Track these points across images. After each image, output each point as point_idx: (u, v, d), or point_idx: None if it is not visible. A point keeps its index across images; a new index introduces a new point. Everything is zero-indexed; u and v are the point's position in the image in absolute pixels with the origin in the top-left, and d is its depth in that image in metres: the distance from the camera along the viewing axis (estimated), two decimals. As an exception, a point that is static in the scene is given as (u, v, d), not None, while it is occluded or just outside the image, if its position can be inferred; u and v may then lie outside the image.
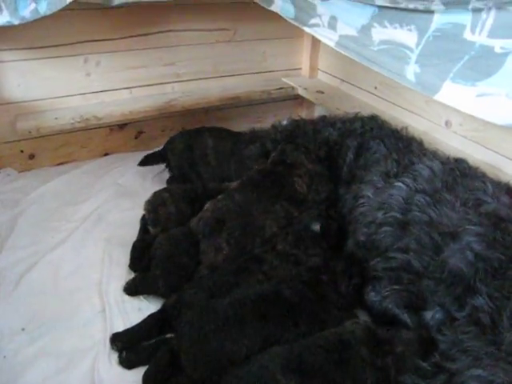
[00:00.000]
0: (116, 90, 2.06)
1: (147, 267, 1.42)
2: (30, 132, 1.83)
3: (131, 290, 1.39)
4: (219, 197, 1.51)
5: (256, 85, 2.30)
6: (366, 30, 1.35)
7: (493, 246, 1.09)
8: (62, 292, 1.40)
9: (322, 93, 2.24)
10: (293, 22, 1.45)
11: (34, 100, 1.92)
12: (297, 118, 2.44)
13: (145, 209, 1.57)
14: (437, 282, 1.12)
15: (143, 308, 1.35)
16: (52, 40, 1.84)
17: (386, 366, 0.98)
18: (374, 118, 1.75)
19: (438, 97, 1.20)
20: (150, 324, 1.25)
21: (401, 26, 1.31)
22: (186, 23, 2.08)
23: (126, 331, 1.24)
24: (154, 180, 2.00)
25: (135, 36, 2.00)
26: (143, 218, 1.60)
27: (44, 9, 1.61)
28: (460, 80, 1.17)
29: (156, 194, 1.58)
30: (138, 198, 1.84)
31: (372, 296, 1.24)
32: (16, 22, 1.59)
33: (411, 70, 1.26)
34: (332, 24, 1.39)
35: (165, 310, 1.26)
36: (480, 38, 1.19)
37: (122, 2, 1.70)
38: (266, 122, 2.50)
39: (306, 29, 1.42)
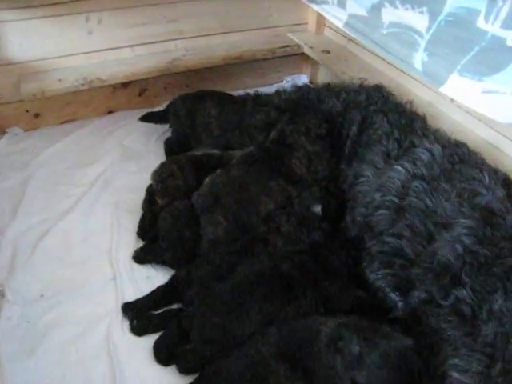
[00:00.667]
0: (118, 48, 2.02)
1: (155, 236, 1.51)
2: (34, 95, 1.83)
3: (140, 258, 1.48)
4: (217, 171, 1.55)
5: (261, 42, 2.25)
6: (375, 9, 1.31)
7: (481, 242, 1.15)
8: (74, 260, 1.49)
9: (328, 53, 2.19)
10: (302, -2, 1.41)
11: (36, 60, 1.90)
12: (300, 79, 2.45)
13: (152, 179, 1.62)
14: (426, 271, 1.19)
15: (151, 276, 1.45)
16: (52, -3, 1.79)
17: None
18: (379, 89, 1.75)
19: (443, 89, 1.20)
20: (159, 295, 1.35)
21: (412, 8, 1.27)
22: (191, -23, 2.00)
23: (137, 301, 1.34)
24: (157, 141, 2.03)
25: (136, -8, 1.93)
26: (150, 188, 1.65)
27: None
28: (467, 73, 1.17)
29: (164, 165, 1.62)
30: (143, 160, 1.91)
31: (367, 273, 1.33)
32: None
33: (419, 58, 1.24)
34: (342, 1, 1.35)
35: (174, 283, 1.36)
36: (493, 28, 1.16)
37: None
38: (269, 77, 2.49)
39: (315, 6, 1.38)
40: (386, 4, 1.31)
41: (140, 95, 2.19)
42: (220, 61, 2.12)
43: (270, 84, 2.50)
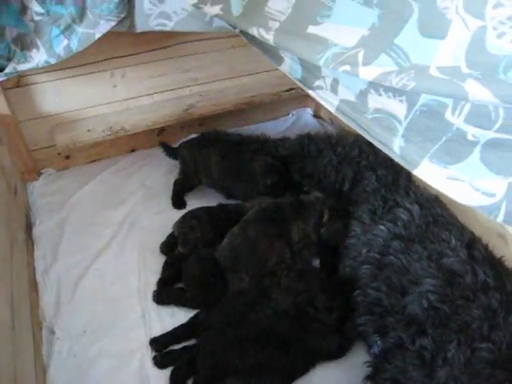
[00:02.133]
0: (139, 97, 2.26)
1: (176, 279, 1.78)
2: (67, 145, 2.10)
3: (159, 299, 1.73)
4: (235, 230, 1.79)
5: (267, 84, 2.46)
6: (363, 95, 1.53)
7: (443, 300, 1.41)
8: (109, 298, 1.76)
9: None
10: (299, 83, 1.63)
11: (67, 111, 2.15)
12: (306, 112, 2.65)
13: (175, 229, 1.90)
14: (398, 320, 1.46)
15: (175, 314, 1.71)
16: (81, 60, 2.02)
17: None
18: (370, 144, 1.97)
19: (416, 172, 1.43)
20: (180, 332, 1.63)
21: (394, 96, 1.49)
22: (203, 33, 2.22)
23: (160, 337, 1.61)
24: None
25: (155, 50, 2.16)
26: (171, 236, 1.92)
27: (76, 45, 1.79)
28: (435, 160, 1.39)
29: (185, 219, 1.88)
30: (163, 200, 2.17)
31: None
32: (53, 60, 1.78)
33: (397, 143, 1.47)
34: (334, 87, 1.57)
35: (194, 323, 1.64)
36: (458, 121, 1.38)
37: (145, 29, 1.86)
38: (277, 111, 2.74)
39: (311, 92, 1.60)
40: (372, 91, 1.53)
41: (159, 135, 2.45)
42: (231, 106, 2.36)
43: (278, 117, 2.74)
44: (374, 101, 1.55)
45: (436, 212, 1.66)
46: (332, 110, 1.58)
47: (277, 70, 2.52)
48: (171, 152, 2.26)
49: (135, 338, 1.65)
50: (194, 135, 2.48)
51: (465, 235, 1.58)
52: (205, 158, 2.10)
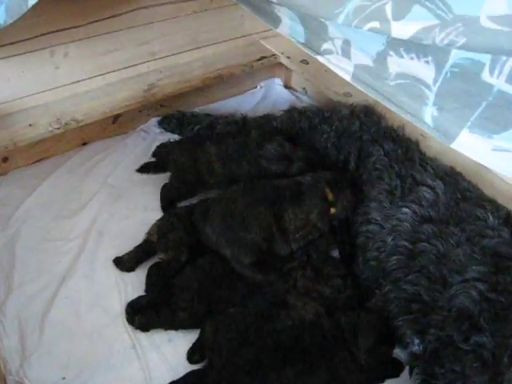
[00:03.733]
0: (88, 78, 1.88)
1: (163, 295, 1.48)
2: (6, 147, 1.68)
3: (146, 325, 1.43)
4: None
5: (236, 54, 2.16)
6: (381, 58, 1.28)
7: (495, 289, 1.23)
8: (88, 330, 1.44)
9: (307, 63, 2.15)
10: (303, 47, 1.35)
11: (1, 103, 1.72)
12: (275, 83, 2.38)
13: (151, 233, 1.59)
14: (444, 317, 1.27)
15: (173, 338, 1.43)
16: (12, 36, 1.60)
17: None
18: (369, 113, 1.75)
19: (454, 145, 1.22)
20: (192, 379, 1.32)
21: (417, 57, 1.26)
22: (159, -3, 1.85)
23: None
24: (143, 175, 1.95)
25: (104, 19, 1.77)
26: (147, 241, 1.61)
27: (3, 16, 1.39)
28: (477, 130, 1.19)
29: (163, 220, 1.59)
30: (132, 200, 1.84)
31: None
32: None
33: (429, 113, 1.25)
34: (346, 50, 1.31)
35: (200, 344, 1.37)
36: (498, 82, 1.18)
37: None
38: (243, 85, 2.42)
39: (319, 58, 1.33)
40: (391, 52, 1.28)
41: (114, 122, 2.07)
42: (199, 82, 2.03)
43: (244, 91, 2.44)
44: (396, 64, 1.31)
45: (462, 186, 1.47)
46: (348, 78, 1.32)
47: (246, 36, 2.27)
48: (152, 168, 1.92)
49: (130, 376, 1.35)
50: (154, 118, 2.15)
51: (500, 210, 1.41)
52: (205, 157, 1.76)
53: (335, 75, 2.09)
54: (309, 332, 1.30)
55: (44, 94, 1.80)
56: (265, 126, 1.84)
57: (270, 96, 2.43)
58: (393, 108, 1.31)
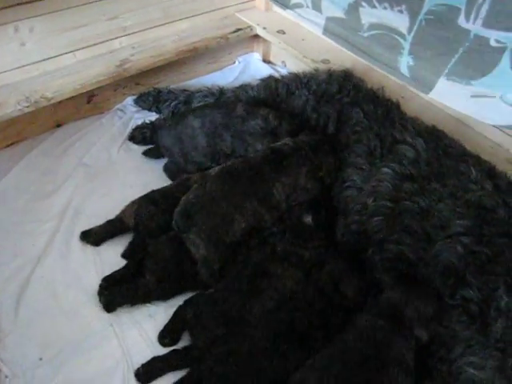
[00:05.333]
0: (58, 56, 1.81)
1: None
2: (-27, 128, 1.63)
3: (112, 302, 1.38)
4: (194, 186, 1.48)
5: (210, 27, 2.10)
6: (353, 9, 1.25)
7: (480, 241, 1.19)
8: (65, 309, 1.39)
9: (284, 33, 2.09)
10: (274, 3, 1.31)
11: (-35, 84, 1.67)
12: (253, 58, 2.33)
13: (126, 215, 1.54)
14: (430, 273, 1.24)
15: (153, 313, 1.39)
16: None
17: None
18: (348, 77, 1.69)
19: (432, 94, 1.18)
20: (175, 357, 1.27)
21: (391, 6, 1.22)
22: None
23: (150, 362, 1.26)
24: (119, 153, 1.90)
25: (70, -9, 1.71)
26: (120, 220, 1.56)
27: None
28: (455, 77, 1.16)
29: (141, 206, 1.52)
30: (109, 178, 1.79)
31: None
32: None
33: (404, 63, 1.21)
34: (316, 3, 1.27)
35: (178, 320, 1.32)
36: (475, 27, 1.14)
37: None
38: (221, 60, 2.37)
39: (289, 11, 1.29)
40: (363, 3, 1.24)
41: (89, 102, 2.01)
42: (173, 56, 1.97)
43: (223, 67, 2.38)
44: (368, 15, 1.26)
45: (443, 143, 1.43)
46: (319, 31, 1.28)
47: (220, 9, 2.21)
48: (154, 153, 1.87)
49: (109, 353, 1.30)
50: (130, 97, 2.10)
51: (482, 164, 1.37)
52: (189, 132, 1.71)
53: (312, 43, 2.07)
54: (295, 304, 1.25)
55: (11, 74, 1.74)
56: (248, 99, 1.78)
57: (248, 71, 2.37)
58: (367, 60, 1.27)
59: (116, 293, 1.37)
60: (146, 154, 1.88)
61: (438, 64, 1.16)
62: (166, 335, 1.31)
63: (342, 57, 1.88)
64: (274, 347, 1.15)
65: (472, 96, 1.14)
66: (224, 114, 1.68)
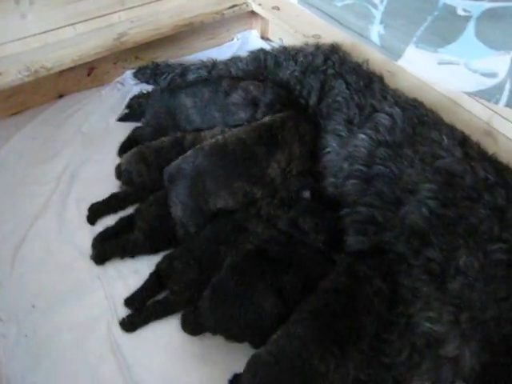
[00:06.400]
0: (58, 28, 1.89)
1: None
2: (-24, 94, 1.72)
3: (102, 254, 1.47)
4: (188, 152, 1.52)
5: (208, 3, 2.15)
6: (328, -20, 1.29)
7: (445, 204, 1.24)
8: (58, 263, 1.48)
9: (278, 9, 2.13)
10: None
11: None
12: (251, 35, 2.38)
13: (119, 170, 1.63)
14: (397, 235, 1.29)
15: (139, 269, 1.47)
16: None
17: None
18: (335, 50, 1.74)
19: (401, 61, 1.23)
20: (152, 284, 1.39)
21: (363, -24, 1.27)
22: None
23: (134, 295, 1.38)
24: (116, 123, 1.98)
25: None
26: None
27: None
28: (423, 45, 1.20)
29: (131, 162, 1.61)
30: (106, 146, 1.87)
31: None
32: None
33: (375, 31, 1.26)
34: (292, -27, 1.31)
35: (158, 272, 1.40)
36: (443, -5, 1.18)
37: None
38: (219, 37, 2.42)
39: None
40: (338, -26, 1.29)
41: (89, 74, 2.09)
42: (169, 30, 2.03)
43: (221, 44, 2.43)
44: (343, -16, 1.32)
45: (420, 112, 1.47)
46: (294, 0, 1.33)
47: None
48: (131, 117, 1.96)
49: (95, 303, 1.40)
50: (129, 71, 2.17)
51: (455, 134, 1.41)
52: (182, 110, 1.78)
53: (306, 19, 2.10)
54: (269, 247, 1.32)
55: (12, 45, 1.82)
56: (237, 71, 1.85)
57: (246, 47, 2.39)
58: (339, 28, 1.31)
59: (106, 246, 1.46)
60: (122, 119, 1.96)
61: (408, 32, 1.20)
62: (134, 300, 1.38)
63: (333, 32, 1.92)
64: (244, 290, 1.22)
65: (439, 63, 1.18)
66: (211, 91, 1.75)
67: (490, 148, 1.46)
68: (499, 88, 1.07)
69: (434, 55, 1.17)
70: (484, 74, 1.10)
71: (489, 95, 1.09)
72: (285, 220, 1.37)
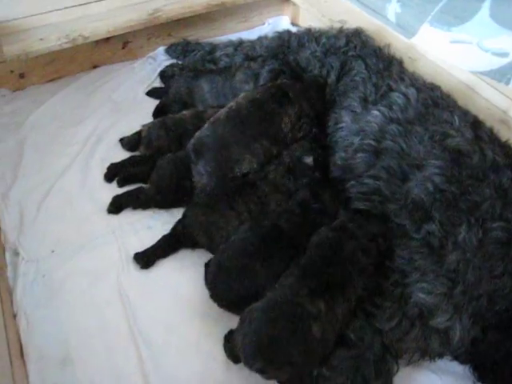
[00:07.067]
0: (96, 1, 2.00)
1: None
2: (18, 56, 1.84)
3: (116, 206, 1.57)
4: (206, 125, 1.61)
5: (241, -15, 2.22)
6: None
7: (450, 180, 1.25)
8: (78, 216, 1.58)
9: (308, -6, 2.18)
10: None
11: (13, 19, 1.88)
12: (282, 21, 2.44)
13: (143, 129, 1.74)
14: (400, 207, 1.32)
15: (152, 226, 1.55)
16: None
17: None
18: (358, 33, 1.77)
19: (415, 39, 1.26)
20: (165, 244, 1.46)
21: (384, -44, 1.30)
22: None
23: (145, 251, 1.45)
24: (144, 94, 2.08)
25: None
26: (138, 134, 1.76)
27: None
28: (437, 24, 1.22)
29: (155, 126, 1.71)
30: (132, 114, 1.97)
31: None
32: None
33: (392, 10, 1.29)
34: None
35: (175, 231, 1.48)
36: (460, -24, 1.21)
37: None
38: (251, 20, 2.49)
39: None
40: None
41: (123, 48, 2.20)
42: (202, 9, 2.11)
43: (253, 27, 2.50)
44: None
45: (435, 95, 1.49)
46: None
47: None
48: (159, 93, 2.06)
49: (108, 254, 1.48)
50: (162, 47, 2.26)
51: (468, 116, 1.42)
52: (200, 93, 1.90)
53: (334, 5, 2.14)
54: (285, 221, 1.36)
55: (52, 15, 1.94)
56: (261, 48, 1.92)
57: (276, 33, 2.48)
58: (359, 7, 1.35)
59: (122, 196, 1.56)
60: (149, 94, 2.06)
61: (423, 11, 1.23)
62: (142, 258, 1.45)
63: (359, 18, 1.95)
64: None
65: (451, 42, 1.20)
66: (224, 78, 1.86)
67: (505, 135, 1.46)
68: (510, 68, 1.08)
69: (447, 34, 1.19)
70: (495, 54, 1.12)
71: (500, 75, 1.10)
72: (304, 193, 1.41)
